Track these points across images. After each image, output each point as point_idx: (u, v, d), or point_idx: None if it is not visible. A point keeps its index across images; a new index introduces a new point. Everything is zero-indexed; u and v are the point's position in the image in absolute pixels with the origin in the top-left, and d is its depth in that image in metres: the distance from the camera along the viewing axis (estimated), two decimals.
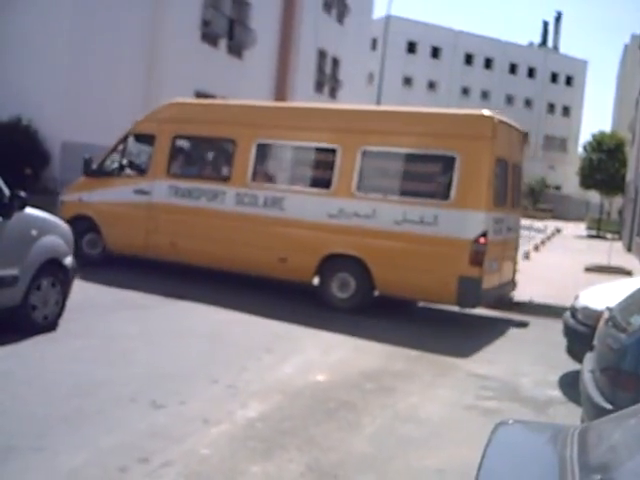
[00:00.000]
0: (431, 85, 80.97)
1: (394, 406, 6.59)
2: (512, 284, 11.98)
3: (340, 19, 36.64)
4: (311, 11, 32.63)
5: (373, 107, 12.37)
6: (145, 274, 12.08)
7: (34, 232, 7.60)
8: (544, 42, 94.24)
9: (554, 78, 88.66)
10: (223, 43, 26.38)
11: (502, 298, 11.84)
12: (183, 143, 13.14)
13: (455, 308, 11.12)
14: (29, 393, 5.91)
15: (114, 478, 4.52)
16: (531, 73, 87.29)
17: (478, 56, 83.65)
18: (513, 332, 10.72)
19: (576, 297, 8.34)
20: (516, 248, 12.17)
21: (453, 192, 10.16)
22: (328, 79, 36.35)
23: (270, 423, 5.77)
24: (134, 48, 21.74)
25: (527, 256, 20.31)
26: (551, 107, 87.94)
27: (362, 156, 10.84)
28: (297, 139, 11.74)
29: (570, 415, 6.61)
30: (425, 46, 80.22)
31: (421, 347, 8.96)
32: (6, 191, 7.18)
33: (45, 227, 7.87)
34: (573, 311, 8.05)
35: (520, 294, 12.68)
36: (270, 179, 12.00)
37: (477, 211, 10.08)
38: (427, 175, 11.16)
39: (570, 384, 7.47)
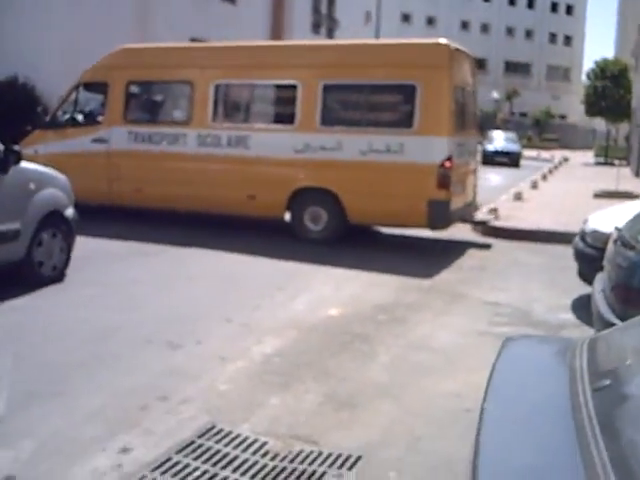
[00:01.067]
0: (430, 21, 79.82)
1: (407, 335, 6.63)
2: (474, 204, 12.41)
3: None
4: None
5: (330, 41, 12.46)
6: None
7: (32, 185, 7.58)
8: None
9: (554, 7, 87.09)
10: None
11: (466, 217, 12.23)
12: (138, 89, 13.08)
13: (454, 236, 11.55)
14: (44, 341, 5.98)
15: (134, 416, 4.58)
16: (531, 4, 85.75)
17: None
18: (522, 259, 10.73)
19: (585, 221, 8.32)
20: (475, 170, 12.52)
21: (416, 120, 10.42)
22: (325, 19, 35.79)
23: (286, 357, 5.83)
24: None
25: (535, 185, 20.25)
26: (553, 37, 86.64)
27: (323, 90, 10.95)
28: (256, 77, 11.75)
29: (583, 336, 6.64)
30: None
31: (431, 278, 9.02)
32: (0, 146, 7.14)
33: (43, 180, 7.85)
34: (582, 235, 8.04)
35: (529, 223, 12.67)
36: (232, 119, 12.01)
37: (440, 137, 10.36)
38: (389, 105, 11.50)
39: (582, 307, 7.48)
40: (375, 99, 11.20)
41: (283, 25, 30.70)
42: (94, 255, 9.40)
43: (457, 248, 11.51)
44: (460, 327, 7.03)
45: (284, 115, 11.47)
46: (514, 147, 36.32)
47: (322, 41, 12.80)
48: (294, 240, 11.19)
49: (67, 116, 12.91)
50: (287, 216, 11.46)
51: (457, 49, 10.94)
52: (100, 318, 6.64)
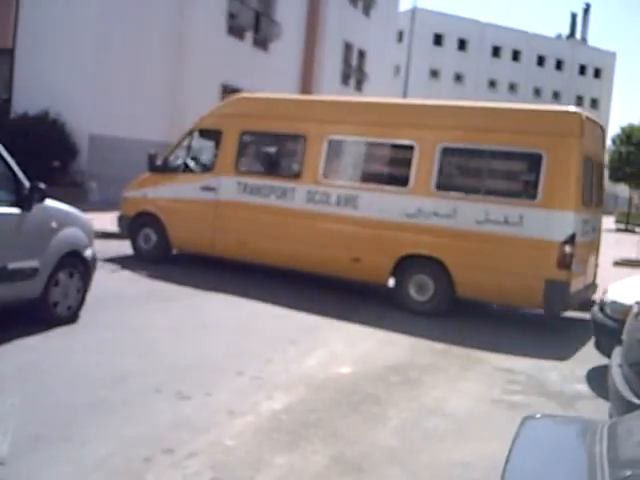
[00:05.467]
0: (458, 78, 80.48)
1: (419, 399, 6.55)
2: (594, 286, 11.56)
3: (366, 11, 36.51)
4: (337, 3, 32.52)
5: (453, 102, 11.79)
6: (177, 266, 12.10)
7: (54, 224, 7.59)
8: (572, 34, 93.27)
9: (582, 70, 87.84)
10: (249, 36, 26.39)
11: (585, 301, 11.11)
12: (251, 139, 12.71)
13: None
14: (56, 383, 5.95)
15: (139, 468, 4.53)
16: (559, 65, 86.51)
17: (505, 48, 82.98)
18: (539, 326, 10.61)
19: (604, 291, 8.25)
20: (598, 249, 11.75)
21: (540, 191, 9.77)
22: (354, 71, 36.23)
23: (295, 415, 5.77)
24: (161, 41, 21.82)
25: None
26: (579, 99, 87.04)
27: (441, 153, 10.46)
28: (372, 135, 11.31)
29: (598, 410, 6.54)
30: (452, 38, 79.70)
31: (448, 340, 8.92)
32: (26, 183, 7.17)
33: (65, 219, 7.87)
34: (601, 305, 7.96)
35: None
36: (343, 176, 11.49)
37: (566, 212, 9.73)
38: (511, 173, 10.91)
39: (598, 379, 7.39)
40: (496, 166, 10.71)
41: (313, 75, 31.13)
42: (116, 296, 9.44)
43: (479, 310, 11.41)
44: (473, 393, 6.97)
45: (398, 177, 10.93)
46: None
47: (443, 101, 11.99)
48: (320, 292, 11.19)
49: (179, 161, 12.83)
50: (391, 282, 11.04)
51: (588, 118, 10.25)
52: (111, 363, 6.62)
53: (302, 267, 11.48)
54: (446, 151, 10.49)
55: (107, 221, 14.06)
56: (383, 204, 10.77)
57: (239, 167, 12.15)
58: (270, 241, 11.55)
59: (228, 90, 24.44)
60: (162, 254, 12.53)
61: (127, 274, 11.09)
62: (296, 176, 11.59)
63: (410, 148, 10.68)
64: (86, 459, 4.60)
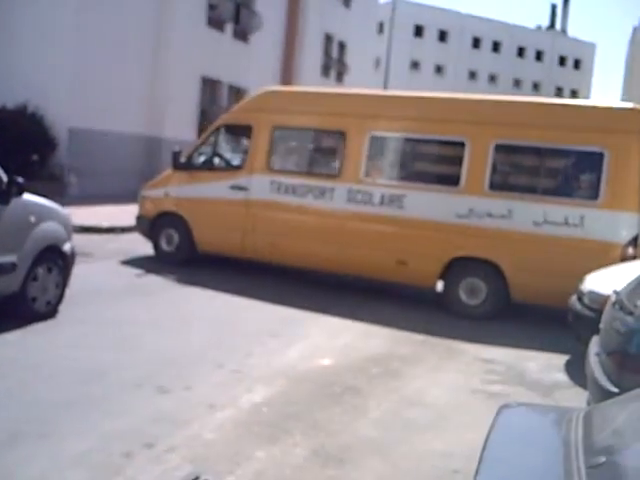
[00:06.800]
0: (438, 69, 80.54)
1: (400, 390, 6.58)
2: None
3: (346, 3, 36.42)
4: None
5: (508, 97, 11.43)
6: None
7: (32, 218, 7.50)
8: (552, 25, 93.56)
9: (562, 61, 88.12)
10: (229, 27, 26.23)
11: None
12: (284, 135, 12.01)
13: None
14: (35, 379, 5.91)
15: (119, 463, 4.51)
16: (539, 56, 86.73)
17: (485, 40, 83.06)
18: (518, 316, 10.65)
19: (582, 281, 8.29)
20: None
21: (602, 191, 9.42)
22: (335, 63, 36.17)
23: (275, 408, 5.77)
24: (140, 33, 21.65)
25: None
26: (559, 90, 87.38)
27: (495, 150, 10.05)
28: (418, 131, 10.77)
29: (576, 399, 6.59)
30: (432, 30, 79.68)
31: (427, 331, 8.95)
32: (4, 177, 7.08)
33: (44, 213, 7.78)
34: (579, 295, 8.00)
35: None
36: (387, 175, 10.99)
37: (630, 213, 9.36)
38: (570, 172, 10.27)
39: (576, 368, 7.42)
40: (553, 164, 10.29)
41: (294, 67, 31.06)
42: (96, 290, 9.38)
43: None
44: (453, 383, 7.00)
45: (447, 175, 10.50)
46: None
47: (496, 96, 11.37)
48: (300, 285, 11.17)
49: (204, 158, 12.31)
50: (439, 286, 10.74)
51: None
52: (91, 358, 6.59)
53: (341, 270, 11.20)
54: (500, 148, 10.12)
55: (86, 215, 13.96)
56: (431, 204, 10.35)
57: (272, 165, 11.57)
58: (307, 243, 11.10)
59: (208, 82, 24.40)
60: (186, 256, 12.03)
61: (105, 267, 11.02)
62: (335, 175, 11.06)
63: (461, 145, 10.27)
64: (65, 455, 4.58)
